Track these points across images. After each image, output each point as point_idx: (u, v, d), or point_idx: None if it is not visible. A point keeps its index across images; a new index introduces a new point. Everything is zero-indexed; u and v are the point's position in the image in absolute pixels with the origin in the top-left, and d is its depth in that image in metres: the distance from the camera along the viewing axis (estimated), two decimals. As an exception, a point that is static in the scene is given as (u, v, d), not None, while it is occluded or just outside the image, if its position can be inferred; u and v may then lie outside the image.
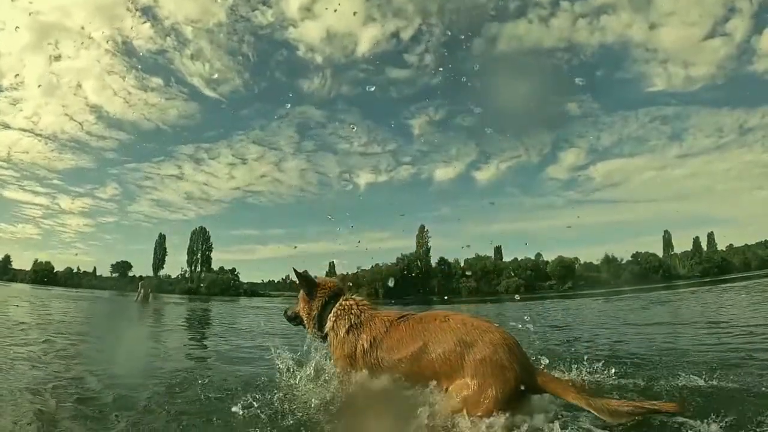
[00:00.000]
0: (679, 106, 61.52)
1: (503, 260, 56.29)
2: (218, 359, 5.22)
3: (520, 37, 65.23)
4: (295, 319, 3.29)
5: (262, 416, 2.56)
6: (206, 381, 3.62)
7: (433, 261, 58.15)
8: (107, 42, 61.16)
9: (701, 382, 2.99)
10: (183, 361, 5.24)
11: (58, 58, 61.99)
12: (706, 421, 2.21)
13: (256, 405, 2.71)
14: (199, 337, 8.23)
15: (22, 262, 69.17)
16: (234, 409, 2.68)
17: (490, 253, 57.08)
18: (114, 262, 67.33)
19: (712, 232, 60.13)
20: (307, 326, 3.16)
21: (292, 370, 3.26)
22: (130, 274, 63.13)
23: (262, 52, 68.47)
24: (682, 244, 60.59)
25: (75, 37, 61.71)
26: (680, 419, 2.24)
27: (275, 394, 2.90)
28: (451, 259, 57.21)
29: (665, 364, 3.86)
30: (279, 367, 3.33)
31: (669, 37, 58.57)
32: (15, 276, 63.97)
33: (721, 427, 2.16)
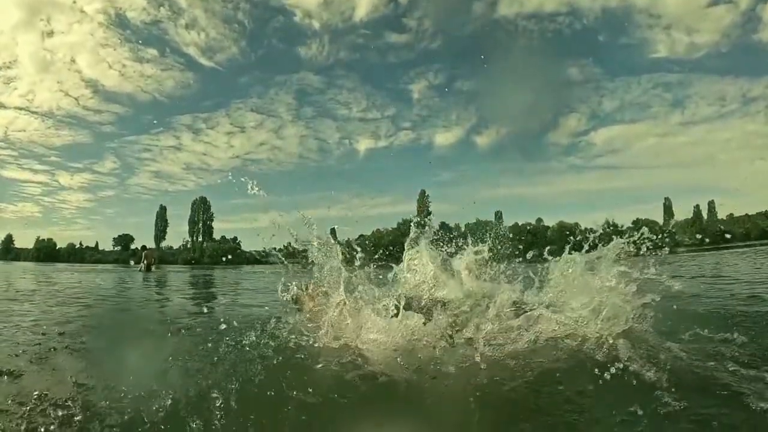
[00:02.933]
0: (681, 73, 59.80)
1: (504, 225, 57.10)
2: (231, 308, 5.39)
3: (521, 1, 62.99)
4: (294, 302, 3.31)
5: (271, 344, 2.70)
6: (223, 325, 3.72)
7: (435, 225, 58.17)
8: (100, 15, 58.80)
9: (720, 310, 3.06)
10: (198, 310, 5.39)
11: (50, 34, 59.52)
12: (734, 337, 2.29)
13: (265, 338, 2.81)
14: (209, 295, 8.37)
15: (24, 240, 69.30)
16: (246, 341, 2.79)
17: (491, 218, 57.82)
18: (116, 236, 67.54)
19: (712, 200, 60.20)
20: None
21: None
22: (133, 246, 63.36)
23: (258, 19, 65.54)
24: (682, 212, 60.81)
25: (67, 12, 59.29)
26: (706, 333, 2.31)
27: (283, 325, 3.00)
28: (452, 224, 57.58)
29: (678, 303, 3.93)
30: (285, 298, 3.31)
31: (673, 3, 56.45)
32: (18, 255, 64.26)
33: (748, 338, 2.23)
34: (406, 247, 3.37)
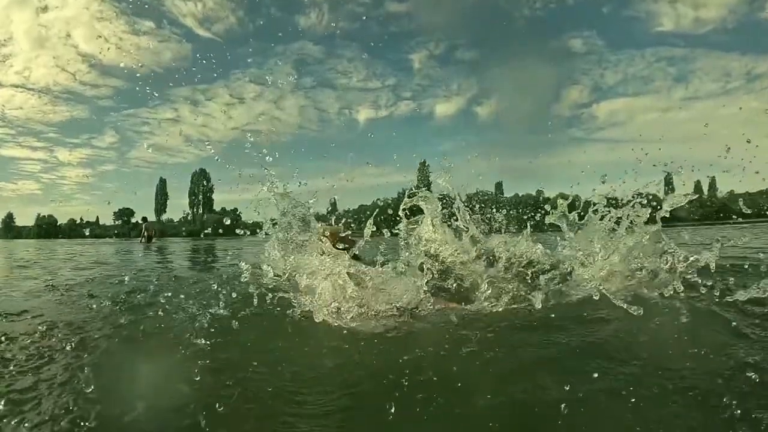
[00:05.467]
0: (686, 48, 58.75)
1: (504, 195, 56.93)
2: (227, 269, 5.57)
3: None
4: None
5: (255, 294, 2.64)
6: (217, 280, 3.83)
7: (435, 196, 57.76)
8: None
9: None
10: (198, 269, 5.67)
11: (44, 9, 58.19)
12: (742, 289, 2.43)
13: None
14: (211, 259, 8.51)
15: (25, 218, 69.62)
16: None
17: (491, 189, 57.56)
18: (116, 210, 67.84)
19: (714, 176, 60.21)
20: None
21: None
22: (133, 220, 63.74)
23: (256, -12, 64.02)
24: (683, 188, 60.84)
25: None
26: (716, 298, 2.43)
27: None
28: (452, 195, 56.82)
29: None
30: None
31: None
32: (20, 232, 64.72)
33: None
34: (406, 195, 3.30)
